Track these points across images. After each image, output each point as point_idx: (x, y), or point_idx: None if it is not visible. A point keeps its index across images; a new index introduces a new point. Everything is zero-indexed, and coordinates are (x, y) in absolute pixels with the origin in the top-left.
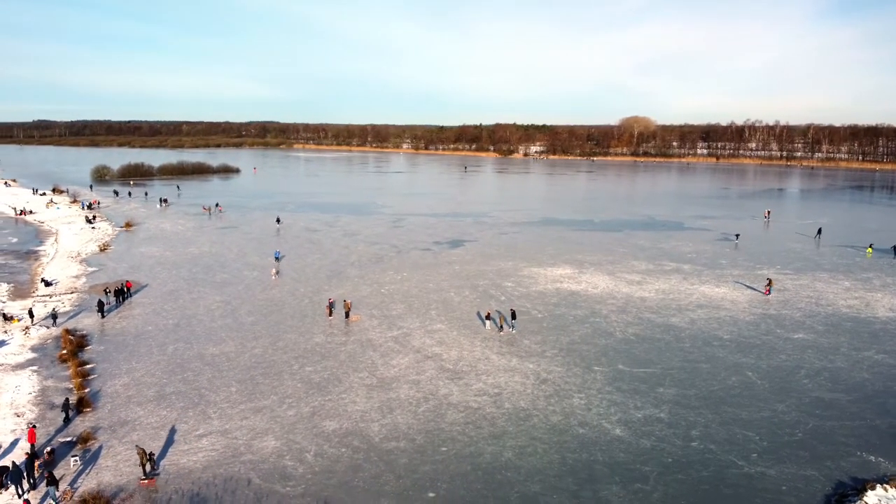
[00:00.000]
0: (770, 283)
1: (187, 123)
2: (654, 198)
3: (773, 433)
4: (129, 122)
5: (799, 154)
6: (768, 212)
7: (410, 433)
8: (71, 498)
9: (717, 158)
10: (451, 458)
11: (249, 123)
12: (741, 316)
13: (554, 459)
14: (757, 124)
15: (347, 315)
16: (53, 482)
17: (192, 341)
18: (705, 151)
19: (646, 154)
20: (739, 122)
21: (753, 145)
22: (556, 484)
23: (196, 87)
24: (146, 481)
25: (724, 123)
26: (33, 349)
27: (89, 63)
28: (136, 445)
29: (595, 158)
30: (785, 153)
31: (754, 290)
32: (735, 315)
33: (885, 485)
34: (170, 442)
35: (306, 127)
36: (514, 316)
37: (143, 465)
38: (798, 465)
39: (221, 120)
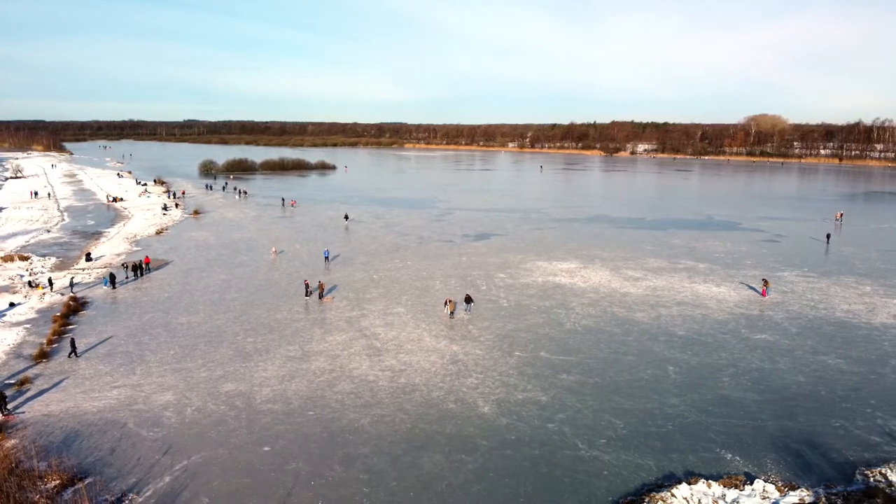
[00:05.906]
0: (765, 283)
1: (312, 124)
2: (729, 198)
3: (642, 424)
4: (262, 122)
5: None
6: (840, 214)
7: (292, 399)
8: None
9: (840, 160)
10: (310, 421)
11: (379, 124)
12: (715, 315)
13: (403, 429)
14: (887, 124)
15: (321, 296)
16: None
17: (170, 311)
18: (828, 152)
19: (762, 154)
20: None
21: (881, 146)
22: (385, 449)
23: (332, 89)
24: (5, 417)
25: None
26: (38, 311)
27: (234, 66)
28: None
29: (706, 157)
30: None
31: (756, 290)
32: (709, 314)
33: (710, 481)
34: (88, 390)
35: (418, 127)
36: (468, 300)
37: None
38: (640, 454)
39: (349, 121)
